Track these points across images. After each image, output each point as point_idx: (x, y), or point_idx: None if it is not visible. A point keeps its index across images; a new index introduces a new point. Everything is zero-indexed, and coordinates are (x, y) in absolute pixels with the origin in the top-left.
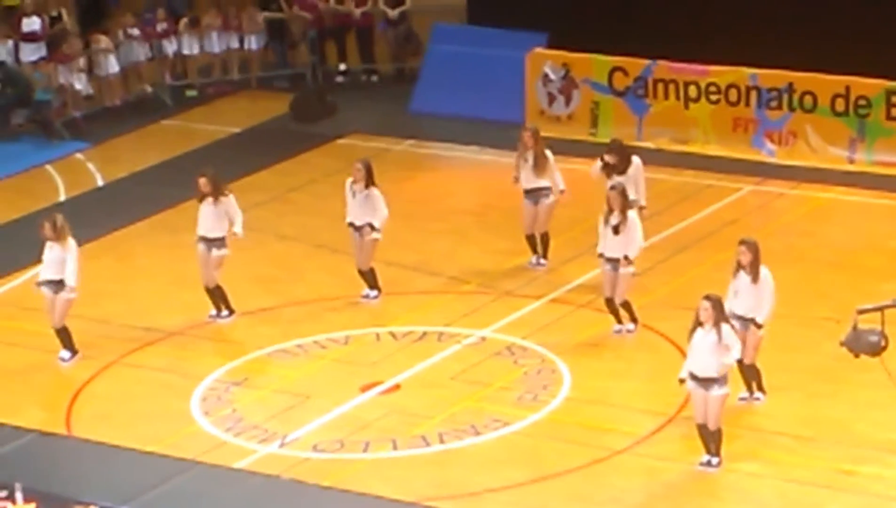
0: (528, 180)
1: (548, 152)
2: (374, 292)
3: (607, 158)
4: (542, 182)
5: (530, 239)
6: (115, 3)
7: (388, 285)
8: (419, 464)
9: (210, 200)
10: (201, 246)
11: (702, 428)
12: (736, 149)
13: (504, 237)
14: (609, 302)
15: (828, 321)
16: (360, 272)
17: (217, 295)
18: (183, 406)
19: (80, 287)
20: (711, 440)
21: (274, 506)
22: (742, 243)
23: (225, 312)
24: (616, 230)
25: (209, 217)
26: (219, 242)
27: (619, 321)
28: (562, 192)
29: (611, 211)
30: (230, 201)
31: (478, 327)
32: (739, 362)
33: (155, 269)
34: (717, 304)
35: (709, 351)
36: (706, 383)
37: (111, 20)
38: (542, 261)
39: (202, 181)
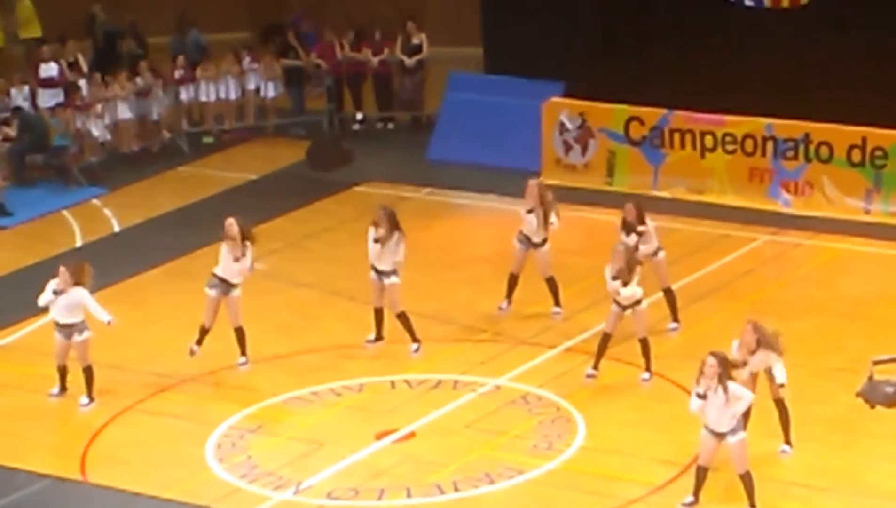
0: (536, 234)
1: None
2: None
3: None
4: (543, 235)
5: (512, 280)
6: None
7: (403, 333)
8: None
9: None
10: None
11: (700, 471)
12: (752, 199)
13: (520, 286)
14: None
15: (843, 371)
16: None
17: (240, 337)
18: (198, 453)
19: (96, 333)
20: (744, 487)
21: None
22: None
23: (242, 358)
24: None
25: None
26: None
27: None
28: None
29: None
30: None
31: (493, 375)
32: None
33: (170, 315)
34: (723, 361)
35: (720, 409)
36: (719, 435)
37: (126, 67)
38: (557, 309)
39: (228, 222)
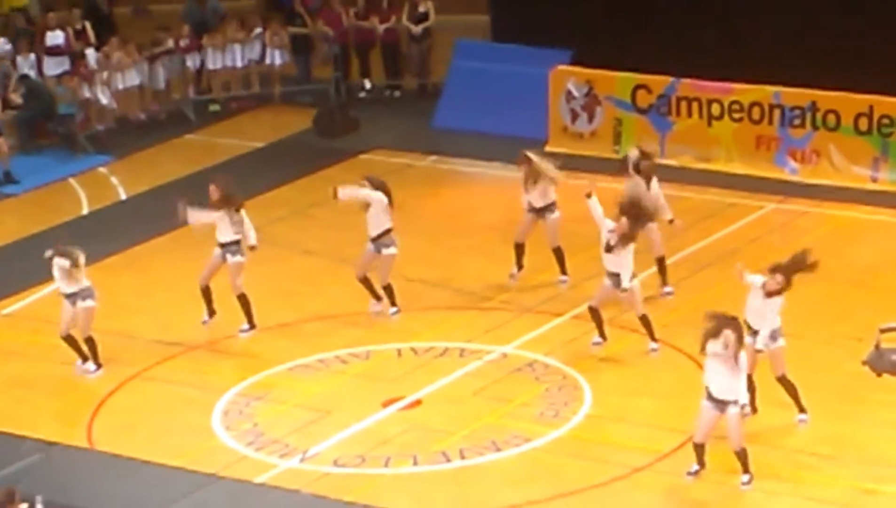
0: (538, 200)
1: (542, 164)
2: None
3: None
4: (549, 199)
5: (519, 248)
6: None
7: (409, 300)
8: (440, 480)
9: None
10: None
11: (697, 448)
12: (759, 167)
13: (527, 254)
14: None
15: (850, 339)
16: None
17: (241, 305)
18: (204, 421)
19: (105, 300)
20: (738, 460)
21: None
22: (777, 270)
23: (244, 325)
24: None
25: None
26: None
27: (602, 334)
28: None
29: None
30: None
31: (500, 343)
32: (777, 378)
33: (177, 283)
34: (740, 336)
35: (728, 374)
36: (722, 404)
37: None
38: (564, 277)
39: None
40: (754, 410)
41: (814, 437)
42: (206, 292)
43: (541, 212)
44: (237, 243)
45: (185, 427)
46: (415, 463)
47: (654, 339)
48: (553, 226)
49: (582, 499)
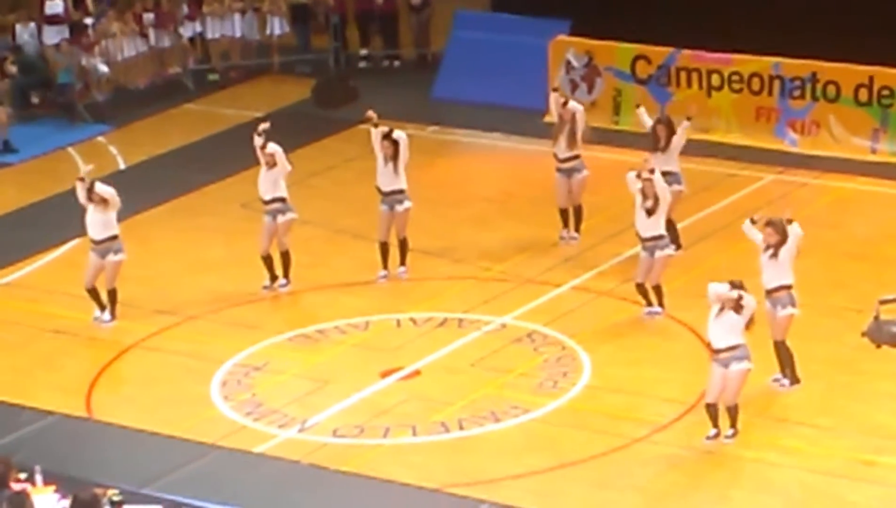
0: (562, 151)
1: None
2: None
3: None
4: (575, 152)
5: (563, 213)
6: None
7: (408, 270)
8: (438, 450)
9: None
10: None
11: (710, 408)
12: (758, 138)
13: (526, 224)
14: (639, 286)
15: (849, 311)
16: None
17: (282, 261)
18: (203, 390)
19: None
20: (728, 414)
21: (293, 491)
22: (769, 224)
23: (283, 280)
24: (650, 212)
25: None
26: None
27: (650, 304)
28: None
29: (645, 198)
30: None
31: (498, 313)
32: (774, 343)
33: (176, 253)
34: (735, 288)
35: (727, 329)
36: (726, 358)
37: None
38: (575, 234)
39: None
40: (795, 380)
41: (813, 409)
42: (268, 260)
43: (568, 170)
44: (283, 199)
45: (184, 397)
46: (414, 434)
47: (661, 305)
48: (579, 184)
49: (580, 470)
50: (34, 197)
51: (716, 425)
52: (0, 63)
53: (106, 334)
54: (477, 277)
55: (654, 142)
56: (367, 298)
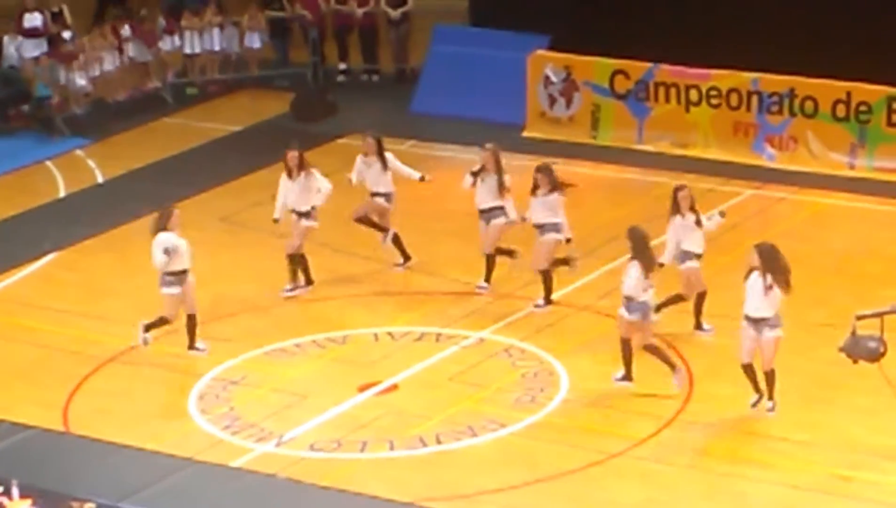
0: (484, 201)
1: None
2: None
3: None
4: (497, 202)
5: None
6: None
7: (386, 285)
8: (416, 465)
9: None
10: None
11: (747, 368)
12: (736, 153)
13: (503, 239)
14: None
15: (826, 326)
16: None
17: (299, 264)
18: (180, 404)
19: (83, 283)
20: (768, 382)
21: (270, 505)
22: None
23: (302, 280)
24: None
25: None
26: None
27: (758, 390)
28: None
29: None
30: (314, 175)
31: (476, 328)
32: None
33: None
34: (765, 253)
35: (760, 295)
36: (759, 324)
37: (111, 18)
38: (484, 284)
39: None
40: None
41: (790, 424)
42: (302, 260)
43: (487, 216)
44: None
45: (161, 411)
46: (391, 448)
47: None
48: (496, 231)
49: (558, 485)
50: (11, 211)
51: (757, 389)
52: None
53: (83, 347)
54: (455, 291)
55: (533, 189)
56: (345, 312)
